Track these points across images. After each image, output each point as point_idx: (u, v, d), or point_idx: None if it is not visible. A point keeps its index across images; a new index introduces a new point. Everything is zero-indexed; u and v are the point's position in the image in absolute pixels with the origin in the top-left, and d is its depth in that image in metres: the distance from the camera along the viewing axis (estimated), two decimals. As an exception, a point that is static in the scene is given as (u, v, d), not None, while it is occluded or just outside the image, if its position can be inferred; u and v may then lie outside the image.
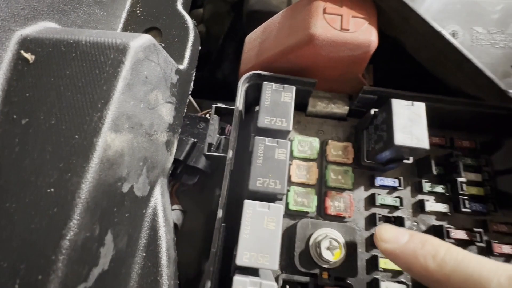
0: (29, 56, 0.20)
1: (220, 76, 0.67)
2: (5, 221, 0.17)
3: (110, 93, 0.19)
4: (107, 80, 0.19)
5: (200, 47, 0.32)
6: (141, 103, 0.21)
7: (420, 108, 0.24)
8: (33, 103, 0.19)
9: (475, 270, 0.18)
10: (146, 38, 0.22)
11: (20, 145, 0.18)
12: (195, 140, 0.35)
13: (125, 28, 0.30)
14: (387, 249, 0.21)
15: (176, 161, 0.32)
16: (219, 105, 0.35)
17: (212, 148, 0.31)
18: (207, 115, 0.40)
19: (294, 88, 0.26)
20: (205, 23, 0.67)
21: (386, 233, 0.22)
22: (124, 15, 0.30)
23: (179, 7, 0.30)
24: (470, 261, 0.18)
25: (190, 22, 0.29)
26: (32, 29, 0.22)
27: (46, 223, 0.16)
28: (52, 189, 0.17)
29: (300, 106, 0.31)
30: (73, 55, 0.20)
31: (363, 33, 0.25)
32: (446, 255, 0.19)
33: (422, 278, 0.20)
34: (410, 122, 0.24)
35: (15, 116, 0.19)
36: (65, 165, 0.17)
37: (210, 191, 0.39)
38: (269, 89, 0.25)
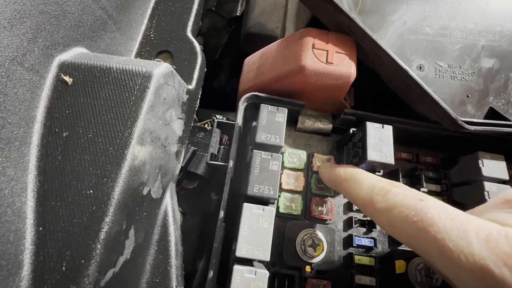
0: (68, 79, 0.24)
1: (216, 86, 0.71)
2: (51, 217, 0.20)
3: (138, 113, 0.23)
4: (135, 103, 0.23)
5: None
6: (159, 120, 0.26)
7: (388, 130, 0.30)
8: (72, 119, 0.23)
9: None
10: (165, 66, 0.26)
11: (62, 154, 0.22)
12: (195, 148, 0.39)
13: (140, 50, 0.34)
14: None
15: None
16: (219, 118, 0.40)
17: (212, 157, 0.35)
18: (206, 125, 0.44)
19: (286, 110, 0.31)
20: (203, 35, 0.71)
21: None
22: (139, 38, 0.34)
23: (189, 33, 0.34)
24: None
25: (198, 47, 0.34)
26: (68, 55, 0.25)
27: (87, 218, 0.20)
28: (91, 191, 0.21)
29: (291, 122, 0.36)
30: (106, 79, 0.24)
31: (345, 66, 0.31)
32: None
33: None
34: (380, 142, 0.29)
35: (56, 130, 0.23)
36: (101, 171, 0.21)
37: (206, 195, 0.43)
38: (265, 110, 0.30)
